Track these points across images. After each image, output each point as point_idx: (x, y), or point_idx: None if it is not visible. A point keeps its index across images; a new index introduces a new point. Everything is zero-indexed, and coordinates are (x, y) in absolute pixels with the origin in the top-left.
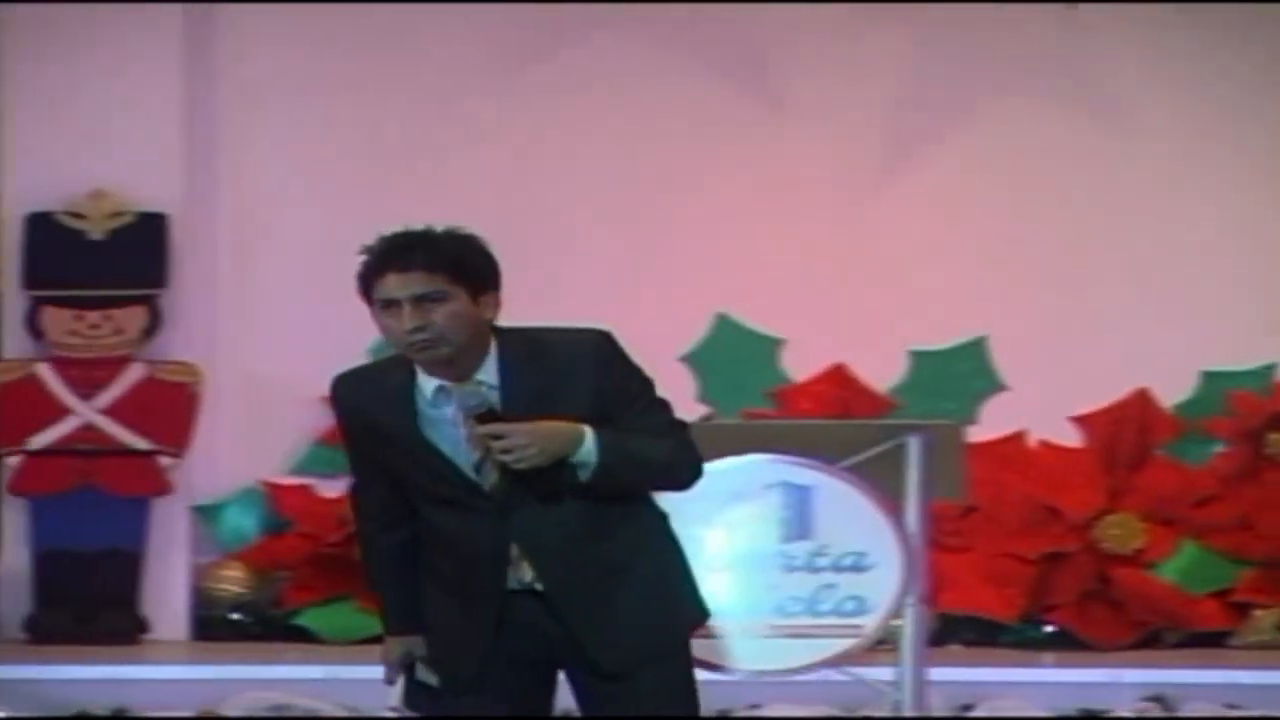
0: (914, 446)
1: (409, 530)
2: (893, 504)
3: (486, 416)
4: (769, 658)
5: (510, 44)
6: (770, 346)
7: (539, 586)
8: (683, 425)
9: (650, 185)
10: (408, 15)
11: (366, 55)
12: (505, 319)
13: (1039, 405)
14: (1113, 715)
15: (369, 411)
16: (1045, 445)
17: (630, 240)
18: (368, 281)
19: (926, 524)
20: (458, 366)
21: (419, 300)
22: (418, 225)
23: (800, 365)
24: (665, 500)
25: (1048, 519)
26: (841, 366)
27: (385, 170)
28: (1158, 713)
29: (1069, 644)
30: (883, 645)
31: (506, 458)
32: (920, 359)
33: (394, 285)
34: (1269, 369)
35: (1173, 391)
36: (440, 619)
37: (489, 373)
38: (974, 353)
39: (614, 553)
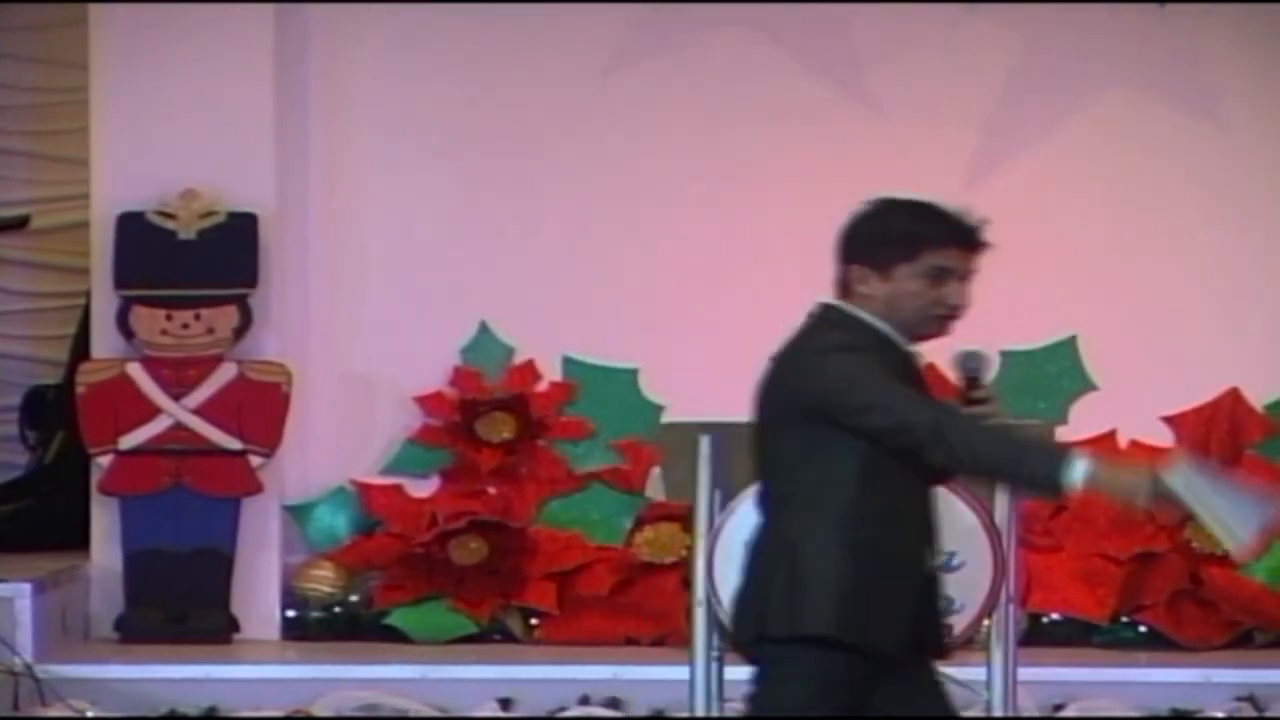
0: None
1: None
2: (983, 504)
3: (975, 381)
4: None
5: (607, 44)
6: None
7: (936, 562)
8: None
9: (745, 184)
10: (504, 15)
11: (461, 55)
12: (604, 310)
13: (1130, 405)
14: (1204, 715)
15: (895, 370)
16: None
17: (724, 239)
18: (916, 243)
19: (1017, 524)
20: None
21: (966, 277)
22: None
23: None
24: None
25: (1139, 519)
26: (933, 366)
27: (478, 170)
28: (1249, 713)
29: (1160, 644)
30: (973, 645)
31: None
32: (1011, 358)
33: (955, 258)
34: None
35: (1264, 391)
36: (882, 595)
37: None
38: (1065, 352)
39: None
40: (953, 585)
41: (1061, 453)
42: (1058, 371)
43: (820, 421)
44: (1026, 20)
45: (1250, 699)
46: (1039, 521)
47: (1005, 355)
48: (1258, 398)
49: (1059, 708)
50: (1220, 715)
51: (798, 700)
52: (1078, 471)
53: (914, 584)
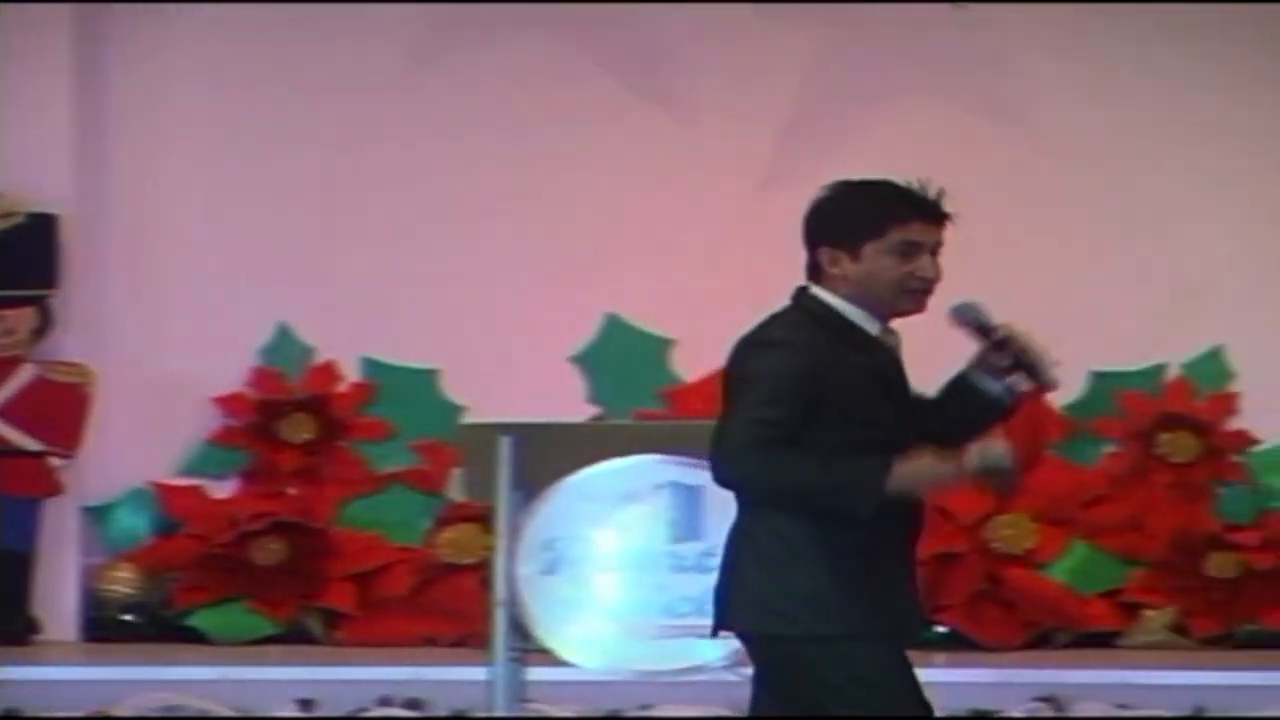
0: None
1: None
2: None
3: (985, 327)
4: (659, 658)
5: (406, 42)
6: (661, 347)
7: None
8: None
9: (542, 184)
10: (302, 12)
11: (261, 53)
12: (405, 312)
13: None
14: (1004, 715)
15: (845, 360)
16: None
17: (521, 239)
18: (882, 221)
19: None
20: None
21: (934, 250)
22: (906, 177)
23: (691, 365)
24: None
25: (938, 519)
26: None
27: (278, 172)
28: (1048, 713)
29: (960, 644)
30: None
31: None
32: None
33: (921, 232)
34: (1158, 369)
35: (1062, 392)
36: (866, 578)
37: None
38: None
39: None
40: None
41: (867, 472)
42: None
43: None
44: (827, 22)
45: (1049, 699)
46: None
47: None
48: (1057, 398)
49: None
50: (1019, 716)
51: (823, 692)
52: (889, 485)
53: (884, 567)
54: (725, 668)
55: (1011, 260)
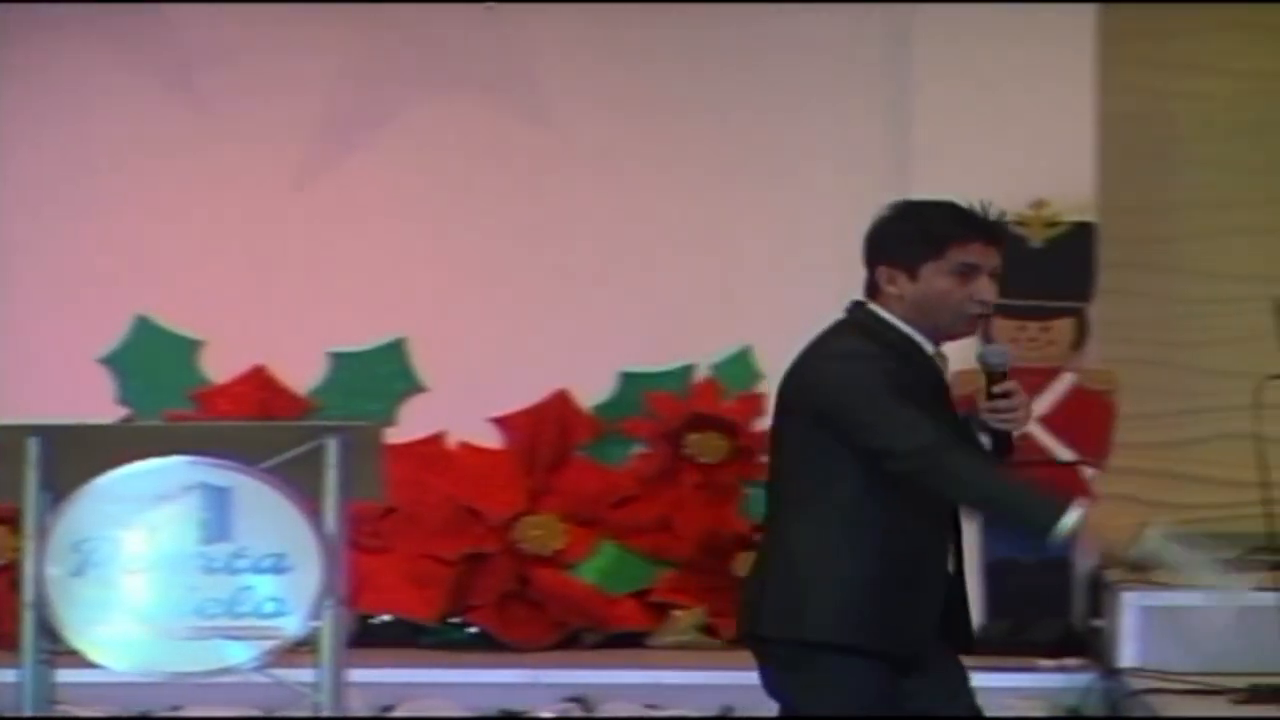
0: (332, 448)
1: None
2: (312, 505)
3: (999, 376)
4: (189, 659)
5: None
6: (190, 348)
7: (950, 567)
8: None
9: (72, 182)
10: None
11: None
12: None
13: (459, 406)
14: (533, 716)
15: (907, 373)
16: (465, 446)
17: (49, 239)
18: (941, 241)
19: (346, 525)
20: None
21: (992, 274)
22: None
23: (220, 367)
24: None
25: (468, 520)
26: (261, 368)
27: None
28: (578, 713)
29: (489, 645)
30: (303, 647)
31: (1012, 415)
32: (340, 360)
33: (980, 254)
34: (686, 370)
35: (591, 392)
36: (890, 597)
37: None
38: (393, 354)
39: None
40: (282, 587)
41: (1052, 499)
42: (387, 373)
43: (823, 426)
44: (359, 20)
45: (579, 699)
46: (368, 523)
47: (335, 357)
48: (585, 399)
49: (388, 709)
50: (549, 716)
51: (828, 706)
52: (1069, 521)
53: (927, 583)
54: (255, 669)
55: (537, 260)
